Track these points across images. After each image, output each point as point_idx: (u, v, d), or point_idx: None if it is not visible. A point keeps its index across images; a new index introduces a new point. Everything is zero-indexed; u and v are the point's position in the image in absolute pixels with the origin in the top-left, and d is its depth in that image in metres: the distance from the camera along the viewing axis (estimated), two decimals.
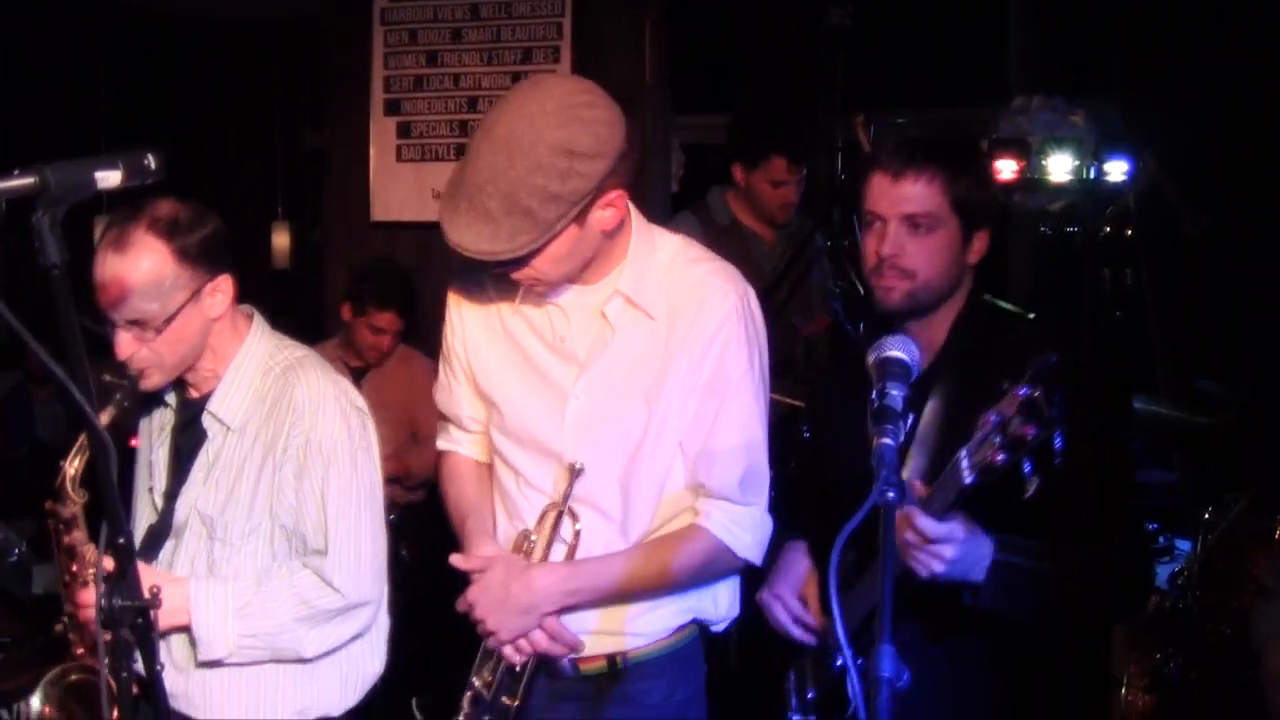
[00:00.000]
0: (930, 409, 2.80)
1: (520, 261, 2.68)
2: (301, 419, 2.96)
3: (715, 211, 5.63)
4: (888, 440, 2.12)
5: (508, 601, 2.82)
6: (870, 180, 2.87)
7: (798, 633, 3.04)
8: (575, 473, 2.87)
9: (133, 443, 3.14)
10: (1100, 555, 2.71)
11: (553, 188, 2.58)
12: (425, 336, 5.92)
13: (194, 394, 3.07)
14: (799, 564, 3.12)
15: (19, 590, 7.16)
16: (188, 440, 3.08)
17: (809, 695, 2.99)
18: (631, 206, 2.86)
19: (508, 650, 2.87)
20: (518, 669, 2.90)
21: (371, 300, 5.72)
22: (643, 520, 2.91)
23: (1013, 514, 2.52)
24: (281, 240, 10.93)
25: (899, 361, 2.31)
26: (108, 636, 2.13)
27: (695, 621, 3.04)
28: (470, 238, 2.62)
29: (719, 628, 3.10)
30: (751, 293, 2.93)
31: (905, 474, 2.60)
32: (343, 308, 5.77)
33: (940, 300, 2.88)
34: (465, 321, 3.04)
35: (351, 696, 3.16)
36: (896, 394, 2.23)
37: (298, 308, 5.54)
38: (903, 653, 1.84)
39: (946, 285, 2.87)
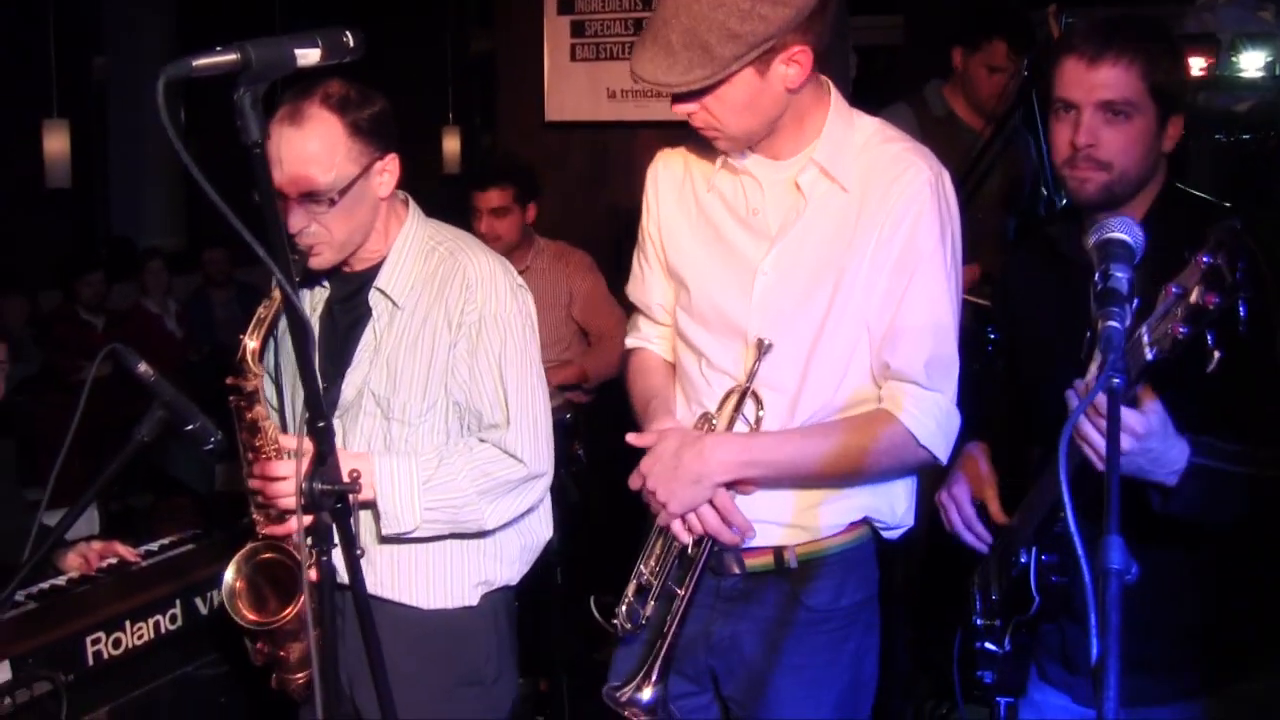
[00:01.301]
0: None
1: (693, 97, 2.68)
2: (474, 295, 2.99)
3: (931, 103, 5.52)
4: (1114, 323, 2.02)
5: (679, 470, 2.79)
6: (1063, 66, 2.74)
7: (969, 538, 2.96)
8: (763, 349, 2.83)
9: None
10: None
11: (732, 25, 2.57)
12: (596, 235, 5.90)
13: (356, 269, 3.09)
14: (976, 465, 3.03)
15: (201, 487, 7.37)
16: (346, 319, 3.11)
17: (994, 597, 2.91)
18: (832, 86, 2.83)
19: (676, 526, 2.83)
20: (689, 551, 2.87)
21: (472, 185, 5.65)
22: (823, 405, 2.85)
23: (1195, 394, 2.39)
24: (452, 145, 11.00)
25: (1122, 243, 2.20)
26: (308, 519, 2.13)
27: (868, 522, 2.97)
28: (649, 68, 2.65)
29: (893, 534, 3.02)
30: (946, 175, 2.84)
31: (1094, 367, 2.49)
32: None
33: (1136, 190, 2.75)
34: (661, 200, 3.04)
35: (527, 565, 3.23)
36: (1122, 276, 2.12)
37: (468, 212, 5.51)
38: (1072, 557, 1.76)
39: (1143, 175, 2.74)
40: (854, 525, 2.94)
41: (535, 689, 4.62)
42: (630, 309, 3.25)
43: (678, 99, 2.71)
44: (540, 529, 3.23)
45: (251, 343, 2.86)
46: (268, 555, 2.94)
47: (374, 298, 3.04)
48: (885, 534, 3.00)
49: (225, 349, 9.22)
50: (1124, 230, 2.21)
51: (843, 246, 2.77)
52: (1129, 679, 1.63)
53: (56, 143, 8.80)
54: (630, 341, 3.23)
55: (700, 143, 2.92)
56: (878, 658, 3.06)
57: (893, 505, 2.96)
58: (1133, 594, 1.67)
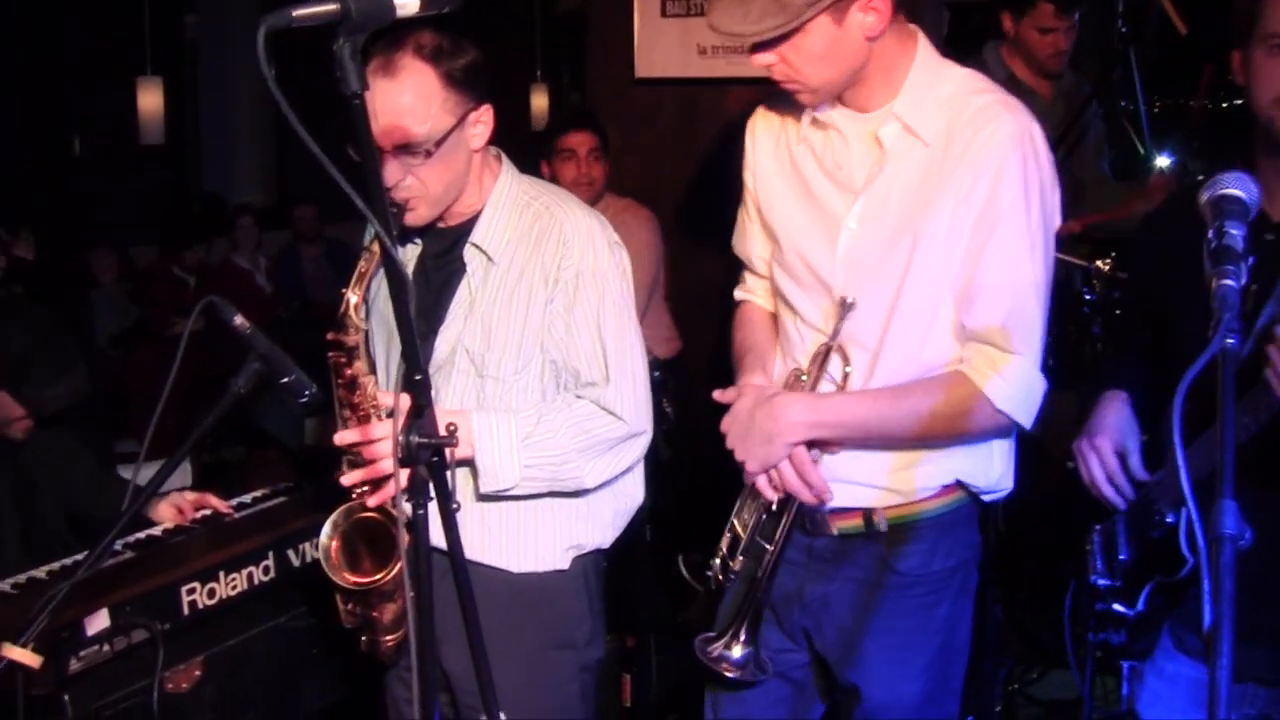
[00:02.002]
0: None
1: (769, 46, 2.66)
2: (571, 251, 2.96)
3: (991, 66, 5.43)
4: (1229, 281, 1.95)
5: (752, 429, 2.79)
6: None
7: (1109, 491, 2.83)
8: (846, 307, 2.80)
9: None
10: None
11: None
12: (685, 191, 5.87)
13: (449, 224, 3.07)
14: (1119, 415, 2.93)
15: (291, 441, 7.44)
16: (440, 275, 3.08)
17: (1121, 557, 2.82)
18: (921, 35, 2.79)
19: (760, 483, 2.83)
20: (774, 507, 2.86)
21: (569, 126, 5.60)
22: (904, 363, 2.81)
23: None
24: (540, 101, 10.98)
25: (1237, 199, 2.13)
26: (404, 474, 2.13)
27: (961, 485, 2.92)
28: (724, 19, 2.65)
29: (990, 497, 2.97)
30: (1037, 128, 2.75)
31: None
32: (541, 166, 5.70)
33: None
34: (758, 153, 3.03)
35: (620, 528, 3.21)
36: (1236, 233, 2.05)
37: (550, 157, 5.50)
38: (1246, 513, 1.71)
39: None
40: (948, 489, 2.90)
41: (622, 645, 4.62)
42: (737, 263, 3.23)
43: (755, 50, 2.68)
44: (634, 492, 3.20)
45: (353, 296, 2.83)
46: (364, 515, 2.93)
47: (469, 253, 3.02)
48: (983, 498, 2.95)
49: (314, 305, 9.33)
50: (1238, 186, 2.14)
51: (923, 202, 2.73)
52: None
53: (150, 100, 8.89)
54: (737, 294, 3.23)
55: None
56: (971, 624, 3.03)
57: (987, 469, 2.91)
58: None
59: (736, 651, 2.88)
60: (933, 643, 2.95)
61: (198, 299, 2.65)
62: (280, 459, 7.38)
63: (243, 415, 7.54)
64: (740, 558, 2.92)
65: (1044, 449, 3.53)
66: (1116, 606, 2.76)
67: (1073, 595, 2.91)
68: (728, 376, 3.06)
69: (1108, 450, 2.84)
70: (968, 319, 2.74)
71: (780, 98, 2.94)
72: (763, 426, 2.78)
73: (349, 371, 2.87)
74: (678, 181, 5.80)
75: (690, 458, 3.14)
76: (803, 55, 2.66)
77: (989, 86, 2.81)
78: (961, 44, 5.86)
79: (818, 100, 2.80)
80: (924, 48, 2.79)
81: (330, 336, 2.85)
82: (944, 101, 2.75)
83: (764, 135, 3.02)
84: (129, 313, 8.85)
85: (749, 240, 3.12)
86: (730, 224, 3.21)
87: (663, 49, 6.19)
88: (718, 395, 2.91)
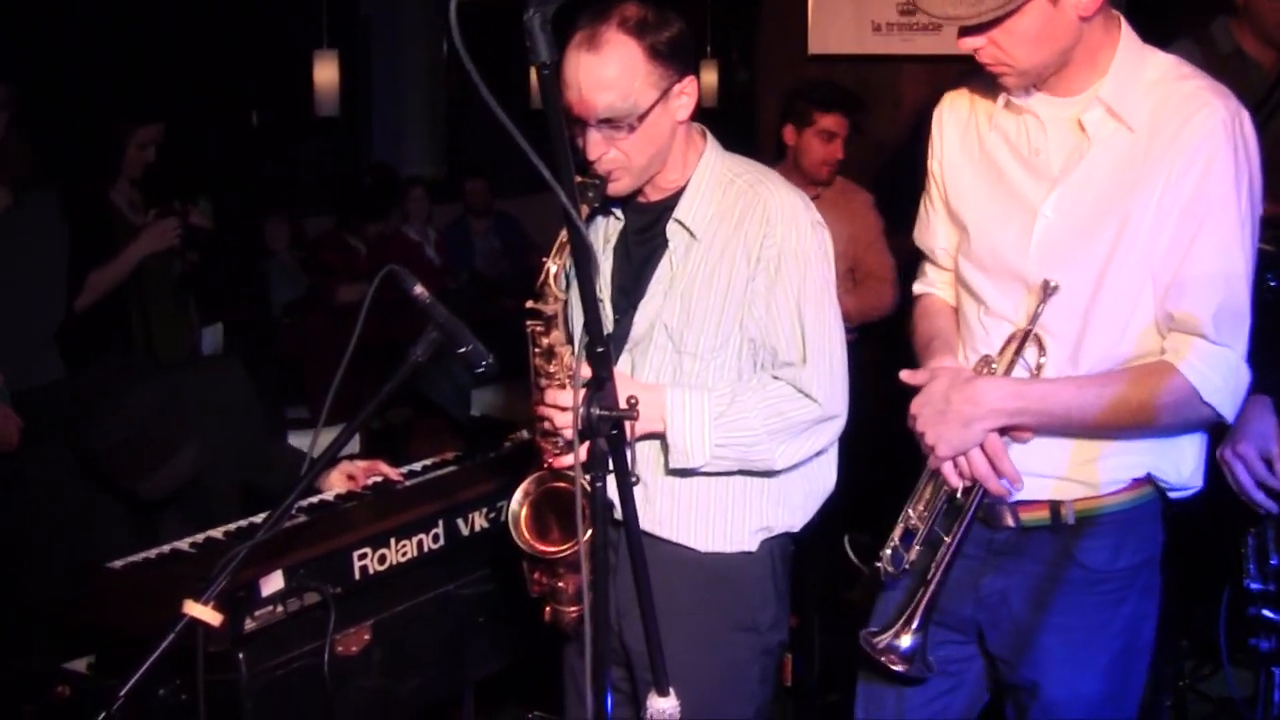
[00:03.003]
0: None
1: (982, 30, 2.61)
2: (774, 230, 2.94)
3: (1218, 39, 5.30)
4: None
5: (948, 413, 2.73)
6: None
7: (1260, 496, 2.82)
8: (1048, 291, 2.73)
9: None
10: None
11: None
12: (857, 170, 5.82)
13: (652, 199, 3.07)
14: (1262, 420, 2.89)
15: (459, 414, 7.52)
16: (641, 251, 3.09)
17: (1272, 561, 2.78)
18: (1123, 20, 2.73)
19: (947, 469, 2.77)
20: (957, 496, 2.81)
21: (817, 104, 5.55)
22: (1104, 355, 2.75)
23: None
24: (709, 78, 10.92)
25: None
26: (584, 446, 2.13)
27: (1151, 480, 2.84)
28: (938, 2, 2.60)
29: (1178, 495, 2.88)
30: (1245, 115, 2.68)
31: None
32: (784, 131, 5.65)
33: None
34: (946, 141, 2.98)
35: (810, 512, 3.17)
36: None
37: (727, 146, 5.48)
38: None
39: None
40: (1137, 483, 2.83)
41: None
42: (914, 254, 3.18)
43: (965, 33, 2.63)
44: (826, 475, 3.17)
45: (553, 266, 2.83)
46: (555, 485, 2.94)
47: (672, 229, 3.02)
48: (1171, 494, 2.87)
49: (482, 278, 9.43)
50: None
51: (1128, 189, 2.66)
52: None
53: (326, 72, 9.02)
54: (917, 288, 3.18)
55: (984, 80, 2.84)
56: (1155, 624, 2.95)
57: (1178, 464, 2.83)
58: None
59: (905, 641, 2.84)
60: (1115, 643, 2.88)
61: (369, 268, 2.68)
62: (446, 428, 7.47)
63: (410, 384, 7.63)
64: (917, 548, 2.87)
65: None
66: (1267, 612, 2.72)
67: (1229, 597, 2.85)
68: (909, 360, 3.02)
69: (1253, 457, 2.87)
70: (1176, 310, 2.67)
71: (976, 81, 2.90)
72: (960, 410, 2.72)
73: (546, 340, 2.89)
74: (848, 159, 5.74)
75: (858, 436, 3.10)
76: (1015, 37, 2.61)
77: (1194, 72, 2.74)
78: (1140, 21, 5.73)
79: (1024, 84, 2.74)
80: (1127, 32, 2.73)
81: (529, 305, 2.86)
82: (1150, 86, 2.68)
83: (952, 124, 2.97)
84: (302, 282, 9.01)
85: (932, 232, 3.06)
86: (906, 201, 3.16)
87: (837, 25, 6.17)
88: (906, 376, 2.85)
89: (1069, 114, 2.73)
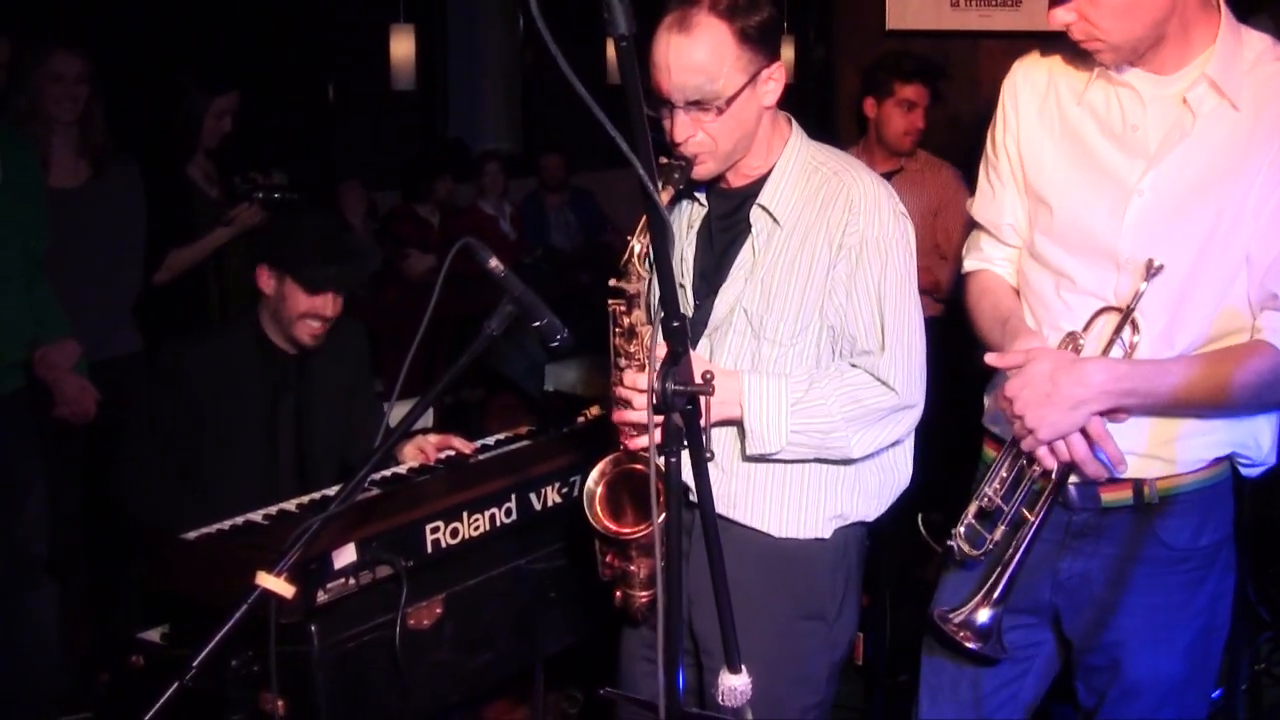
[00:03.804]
0: None
1: (1067, 1, 2.58)
2: (858, 217, 2.92)
3: None
4: None
5: (1054, 396, 2.66)
6: None
7: None
8: (1152, 270, 2.68)
9: None
10: None
11: None
12: (935, 146, 5.76)
13: (736, 185, 3.05)
14: None
15: (532, 389, 7.53)
16: (724, 236, 3.07)
17: None
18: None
19: (1042, 452, 2.72)
20: (1040, 477, 2.77)
21: (897, 75, 5.51)
22: (1194, 335, 2.71)
23: None
24: (786, 54, 10.85)
25: None
26: (659, 420, 2.12)
27: (1232, 457, 2.82)
28: None
29: (1253, 471, 2.86)
30: None
31: None
32: (865, 104, 5.61)
33: None
34: (1021, 114, 2.92)
35: (886, 503, 3.15)
36: None
37: (803, 123, 5.44)
38: None
39: None
40: (1218, 461, 2.80)
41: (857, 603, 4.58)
42: (972, 228, 3.12)
43: (1054, 5, 2.59)
44: (902, 468, 3.15)
45: (637, 245, 2.83)
46: (632, 466, 2.94)
47: (755, 215, 3.01)
48: (1246, 471, 2.84)
49: (557, 252, 9.42)
50: None
51: (1229, 168, 2.62)
52: None
53: (403, 47, 9.04)
54: (971, 263, 3.12)
55: (1068, 54, 2.79)
56: (1232, 602, 2.91)
57: (1258, 440, 2.81)
58: None
59: (983, 616, 2.79)
60: (1196, 622, 2.85)
61: (442, 240, 2.67)
62: (518, 404, 7.48)
63: (483, 359, 7.65)
64: (1001, 528, 2.83)
65: None
66: None
67: None
68: (980, 340, 2.98)
69: None
70: (1278, 288, 2.64)
71: (1054, 50, 2.85)
72: (1068, 392, 2.65)
73: (627, 320, 2.88)
74: (926, 135, 5.69)
75: (932, 413, 3.06)
76: (1104, 10, 2.57)
77: None
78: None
79: (1119, 59, 2.69)
80: (1226, 9, 2.68)
81: (612, 284, 2.86)
82: (1250, 66, 2.65)
83: (1027, 95, 2.91)
84: (377, 255, 9.03)
85: (1000, 207, 3.00)
86: None
87: (915, 1, 6.10)
88: (994, 360, 2.80)
89: (1172, 91, 2.69)
